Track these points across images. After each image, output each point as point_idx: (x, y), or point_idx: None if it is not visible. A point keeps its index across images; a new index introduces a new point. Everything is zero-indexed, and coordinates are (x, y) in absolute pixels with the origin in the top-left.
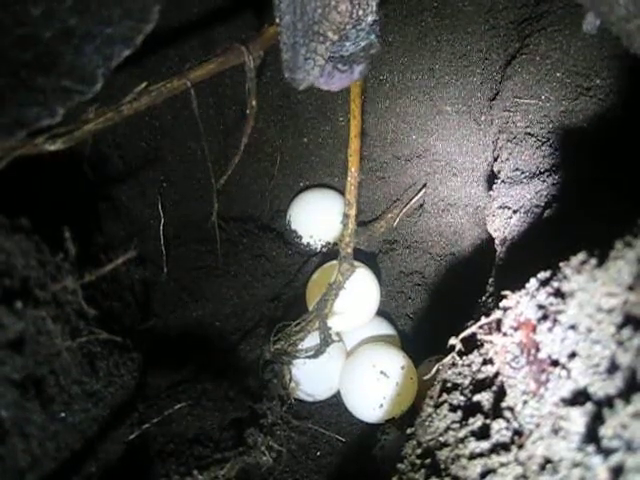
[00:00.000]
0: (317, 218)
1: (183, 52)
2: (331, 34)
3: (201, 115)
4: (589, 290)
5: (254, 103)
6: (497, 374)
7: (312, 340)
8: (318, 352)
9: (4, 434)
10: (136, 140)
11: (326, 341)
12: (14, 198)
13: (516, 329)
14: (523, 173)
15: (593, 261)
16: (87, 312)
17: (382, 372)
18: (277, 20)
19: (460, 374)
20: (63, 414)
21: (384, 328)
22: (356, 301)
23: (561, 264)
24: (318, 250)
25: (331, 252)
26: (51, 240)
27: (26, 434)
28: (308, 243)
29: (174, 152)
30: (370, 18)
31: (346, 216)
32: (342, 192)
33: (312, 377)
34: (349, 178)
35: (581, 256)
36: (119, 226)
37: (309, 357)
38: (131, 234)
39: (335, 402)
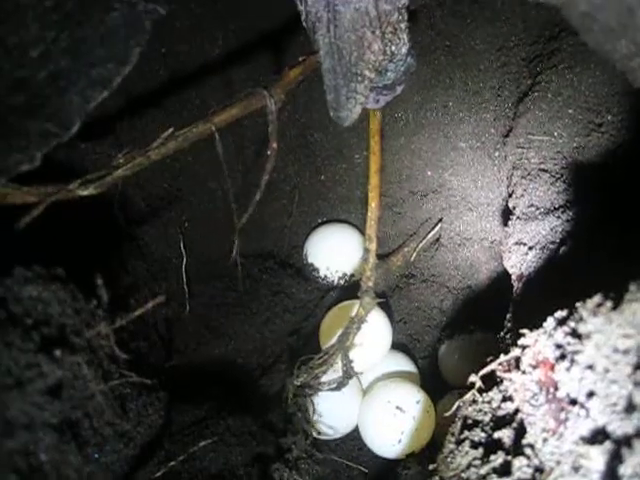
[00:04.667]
0: (333, 250)
1: (204, 94)
2: (368, 73)
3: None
4: (605, 332)
5: (275, 145)
6: (517, 411)
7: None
8: (340, 385)
9: (44, 477)
10: (158, 181)
11: (349, 374)
12: (44, 241)
13: (535, 367)
14: (538, 209)
15: (609, 304)
16: (118, 356)
17: (398, 407)
18: (322, 64)
19: (480, 411)
20: (97, 455)
21: (403, 364)
22: (366, 339)
23: (577, 304)
24: (335, 283)
25: (349, 285)
26: (82, 283)
27: (63, 476)
28: (325, 275)
29: (195, 192)
30: (404, 49)
31: (367, 250)
32: (358, 226)
33: (329, 415)
34: (369, 213)
35: (597, 299)
36: (143, 266)
37: (331, 389)
38: (154, 273)
39: (356, 436)
